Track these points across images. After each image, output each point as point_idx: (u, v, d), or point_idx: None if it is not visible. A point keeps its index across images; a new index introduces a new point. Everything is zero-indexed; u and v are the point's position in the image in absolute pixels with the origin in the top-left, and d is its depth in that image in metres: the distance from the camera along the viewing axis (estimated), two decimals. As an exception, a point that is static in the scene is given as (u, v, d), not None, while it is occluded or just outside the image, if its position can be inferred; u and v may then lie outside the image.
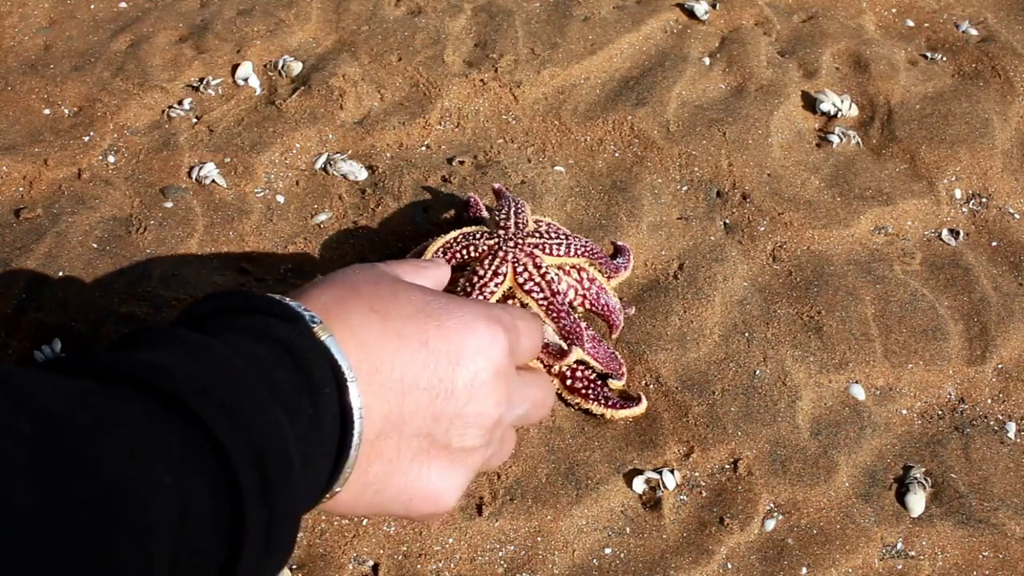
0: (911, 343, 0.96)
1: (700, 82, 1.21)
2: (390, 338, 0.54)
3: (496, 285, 0.85)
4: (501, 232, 0.88)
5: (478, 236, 0.88)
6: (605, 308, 0.89)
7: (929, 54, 1.30)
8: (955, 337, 0.98)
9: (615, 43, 1.23)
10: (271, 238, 0.99)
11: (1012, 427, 0.92)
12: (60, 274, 0.92)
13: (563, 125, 1.14)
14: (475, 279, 0.85)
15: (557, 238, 0.89)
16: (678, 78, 1.19)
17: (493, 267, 0.85)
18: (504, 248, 0.86)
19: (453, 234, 0.88)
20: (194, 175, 1.04)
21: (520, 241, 0.87)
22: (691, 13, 1.30)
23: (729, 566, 0.80)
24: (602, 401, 0.86)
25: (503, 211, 0.91)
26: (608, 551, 0.80)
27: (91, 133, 1.07)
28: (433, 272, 0.68)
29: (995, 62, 1.26)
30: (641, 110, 1.15)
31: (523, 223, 0.90)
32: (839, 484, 0.85)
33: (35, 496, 0.34)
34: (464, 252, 0.87)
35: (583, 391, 0.87)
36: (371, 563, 0.78)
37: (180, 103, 1.11)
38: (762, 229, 1.05)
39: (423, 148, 1.11)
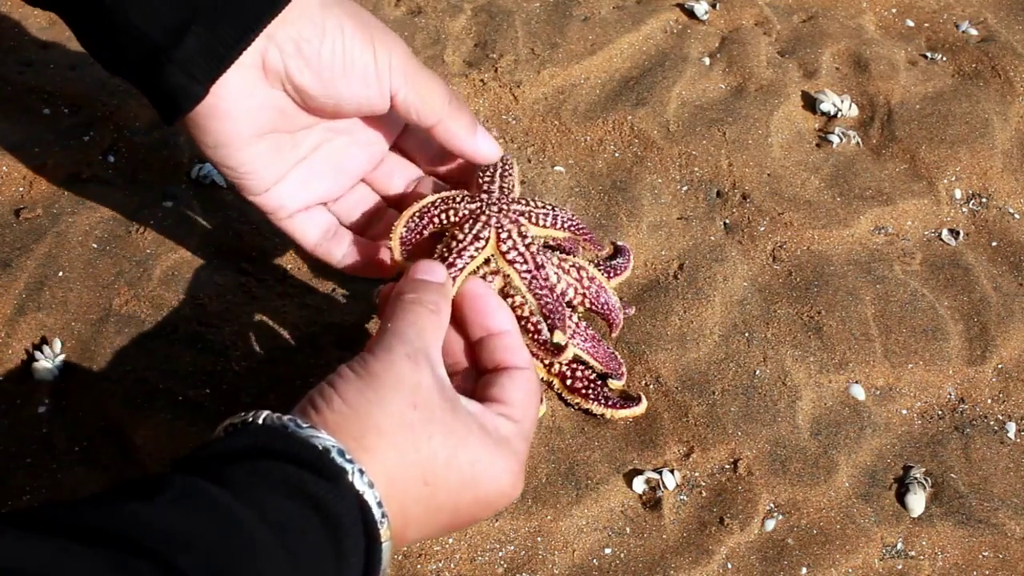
0: (911, 343, 0.96)
1: (700, 82, 1.21)
2: (429, 512, 0.57)
3: (476, 250, 0.77)
4: (484, 196, 0.80)
5: (458, 200, 0.80)
6: (605, 307, 0.88)
7: (929, 54, 1.30)
8: (955, 337, 0.98)
9: (615, 43, 1.23)
10: (271, 238, 0.99)
11: (1012, 427, 0.92)
12: (60, 274, 0.92)
13: (563, 125, 1.14)
14: (454, 244, 0.77)
15: (543, 208, 0.82)
16: (678, 78, 1.19)
17: (474, 231, 0.78)
18: (487, 212, 0.79)
19: (431, 198, 0.80)
20: (194, 175, 1.04)
21: (505, 207, 0.80)
22: (691, 13, 1.30)
23: (729, 566, 0.80)
24: (602, 401, 0.86)
25: (487, 174, 0.83)
26: (608, 551, 0.80)
27: (91, 133, 1.07)
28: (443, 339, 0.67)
29: (995, 62, 1.26)
30: (641, 110, 1.15)
31: (509, 188, 0.82)
32: (839, 484, 0.85)
33: None
34: (443, 217, 0.79)
35: (583, 391, 0.87)
36: (371, 563, 0.78)
37: (180, 103, 1.11)
38: (762, 229, 1.05)
39: (423, 148, 1.11)
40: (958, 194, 1.12)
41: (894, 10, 1.37)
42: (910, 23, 1.35)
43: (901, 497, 0.85)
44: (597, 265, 0.97)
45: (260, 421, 0.54)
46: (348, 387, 0.56)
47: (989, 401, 0.94)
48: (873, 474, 0.87)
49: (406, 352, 0.59)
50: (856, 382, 0.93)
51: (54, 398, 0.86)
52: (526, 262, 0.79)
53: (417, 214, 0.79)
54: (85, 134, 1.07)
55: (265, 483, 0.49)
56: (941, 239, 1.08)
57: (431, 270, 0.70)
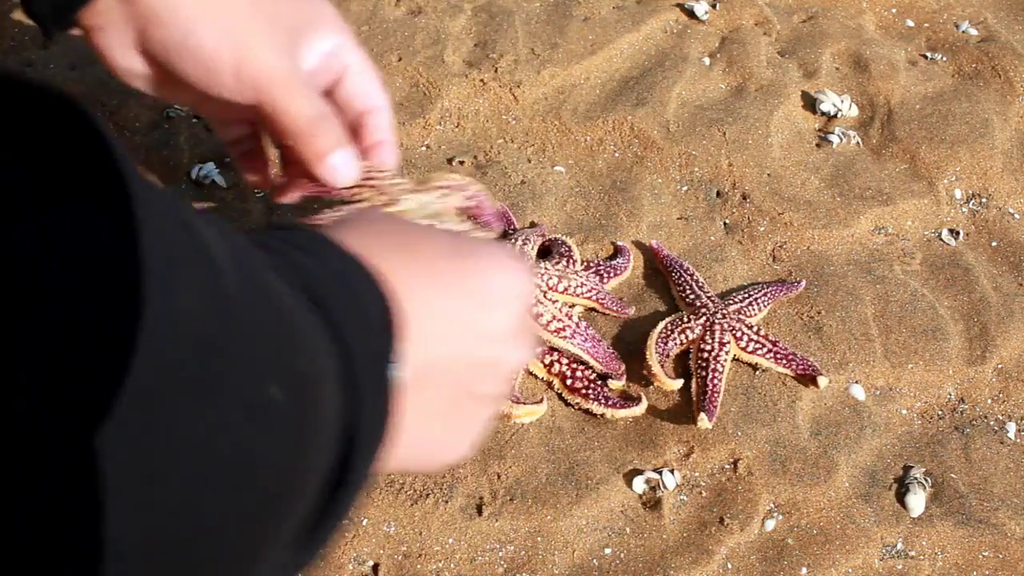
0: (911, 343, 0.96)
1: (700, 82, 1.21)
2: (423, 277, 0.50)
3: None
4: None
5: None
6: (594, 350, 0.89)
7: (929, 54, 1.30)
8: (955, 337, 0.98)
9: (615, 43, 1.23)
10: (271, 238, 0.99)
11: (1012, 427, 0.92)
12: (60, 274, 0.92)
13: (563, 125, 1.14)
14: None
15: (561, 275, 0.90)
16: (678, 78, 1.19)
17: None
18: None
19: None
20: (194, 175, 1.04)
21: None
22: (691, 13, 1.30)
23: (729, 566, 0.80)
24: (602, 401, 0.86)
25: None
26: (608, 551, 0.80)
27: (91, 133, 1.07)
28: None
29: (995, 62, 1.26)
30: (641, 110, 1.15)
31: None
32: (839, 484, 0.85)
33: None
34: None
35: (583, 391, 0.87)
36: (371, 563, 0.78)
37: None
38: (762, 229, 1.05)
39: (423, 148, 1.11)
40: (958, 194, 1.12)
41: (894, 10, 1.37)
42: (910, 23, 1.35)
43: (901, 497, 0.85)
44: (598, 266, 0.97)
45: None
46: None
47: (989, 401, 0.94)
48: (873, 474, 0.87)
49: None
50: (856, 382, 0.93)
51: (54, 398, 0.86)
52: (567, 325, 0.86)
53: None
54: (85, 134, 1.07)
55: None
56: (941, 239, 1.08)
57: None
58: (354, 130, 0.77)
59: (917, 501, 0.85)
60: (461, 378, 0.52)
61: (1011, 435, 0.91)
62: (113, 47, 0.68)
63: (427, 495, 0.81)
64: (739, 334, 0.90)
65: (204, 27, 0.68)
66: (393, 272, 0.48)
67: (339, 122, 0.75)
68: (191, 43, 0.67)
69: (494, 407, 0.57)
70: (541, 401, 0.86)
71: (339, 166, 0.74)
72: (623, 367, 0.88)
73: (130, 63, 0.69)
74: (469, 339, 0.52)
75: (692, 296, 0.94)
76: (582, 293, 0.90)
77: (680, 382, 0.88)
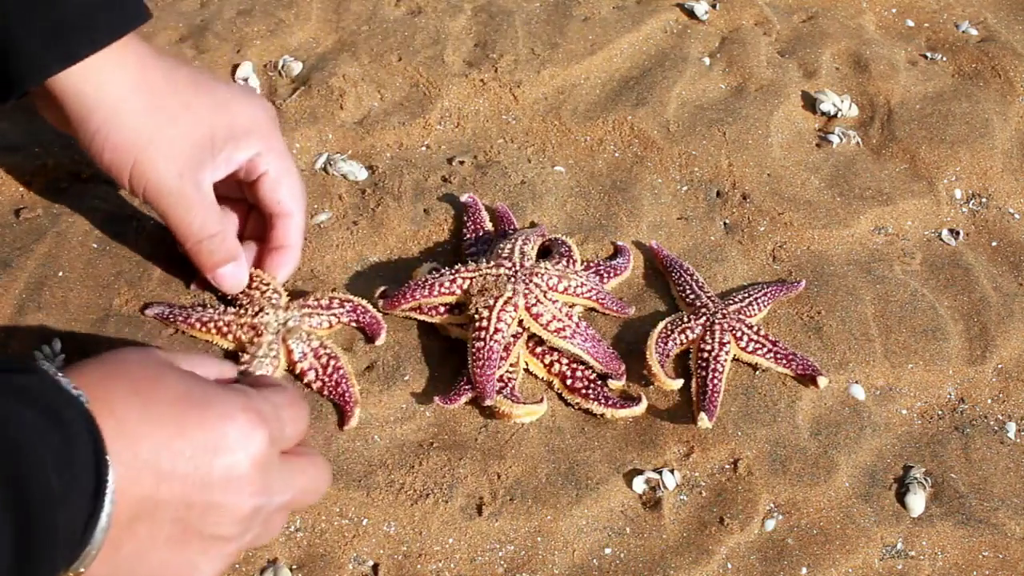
0: (911, 343, 0.96)
1: (700, 82, 1.21)
2: (150, 424, 0.55)
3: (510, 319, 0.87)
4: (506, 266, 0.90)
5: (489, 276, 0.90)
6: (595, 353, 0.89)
7: (929, 54, 1.30)
8: (955, 337, 0.98)
9: (615, 43, 1.23)
10: (271, 238, 0.99)
11: (1012, 427, 0.92)
12: (60, 274, 0.92)
13: (563, 125, 1.14)
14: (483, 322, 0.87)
15: (560, 275, 0.90)
16: (678, 78, 1.19)
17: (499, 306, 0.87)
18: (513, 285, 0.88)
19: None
20: (194, 175, 1.04)
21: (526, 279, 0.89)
22: (691, 13, 1.30)
23: (729, 566, 0.80)
24: (602, 401, 0.86)
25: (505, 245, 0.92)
26: (608, 551, 0.80)
27: (91, 133, 1.07)
28: (212, 364, 0.68)
29: (995, 62, 1.26)
30: (641, 110, 1.15)
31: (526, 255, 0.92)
32: (839, 484, 0.85)
33: None
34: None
35: (583, 391, 0.87)
36: (371, 563, 0.78)
37: (180, 103, 1.11)
38: (762, 229, 1.05)
39: (423, 148, 1.11)
40: (958, 194, 1.12)
41: (894, 10, 1.37)
42: (910, 23, 1.35)
43: (901, 497, 0.85)
44: (598, 266, 0.97)
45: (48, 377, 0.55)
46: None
47: (989, 401, 0.94)
48: (873, 474, 0.87)
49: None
50: (856, 382, 0.93)
51: (54, 398, 0.86)
52: (567, 324, 0.87)
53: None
54: (85, 134, 1.07)
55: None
56: (941, 239, 1.08)
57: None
58: (266, 227, 0.89)
59: (917, 501, 0.85)
60: (183, 516, 0.57)
61: (1011, 435, 0.91)
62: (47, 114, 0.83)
63: (427, 495, 0.81)
64: (739, 334, 0.90)
65: (109, 135, 0.78)
66: (115, 415, 0.54)
67: (231, 234, 0.86)
68: (95, 146, 0.78)
69: (228, 547, 0.60)
70: (541, 401, 0.86)
71: (227, 277, 0.87)
72: (623, 367, 0.88)
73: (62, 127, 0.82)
74: (189, 483, 0.56)
75: (692, 296, 0.94)
76: (582, 293, 0.91)
77: (680, 382, 0.88)
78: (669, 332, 0.90)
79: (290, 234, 0.88)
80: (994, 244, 1.08)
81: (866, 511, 0.84)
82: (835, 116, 1.19)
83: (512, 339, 0.87)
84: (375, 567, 0.78)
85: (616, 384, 0.88)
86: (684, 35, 1.27)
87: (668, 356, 0.90)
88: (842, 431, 0.89)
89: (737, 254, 1.02)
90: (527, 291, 0.87)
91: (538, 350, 0.89)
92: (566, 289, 0.90)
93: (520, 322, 0.87)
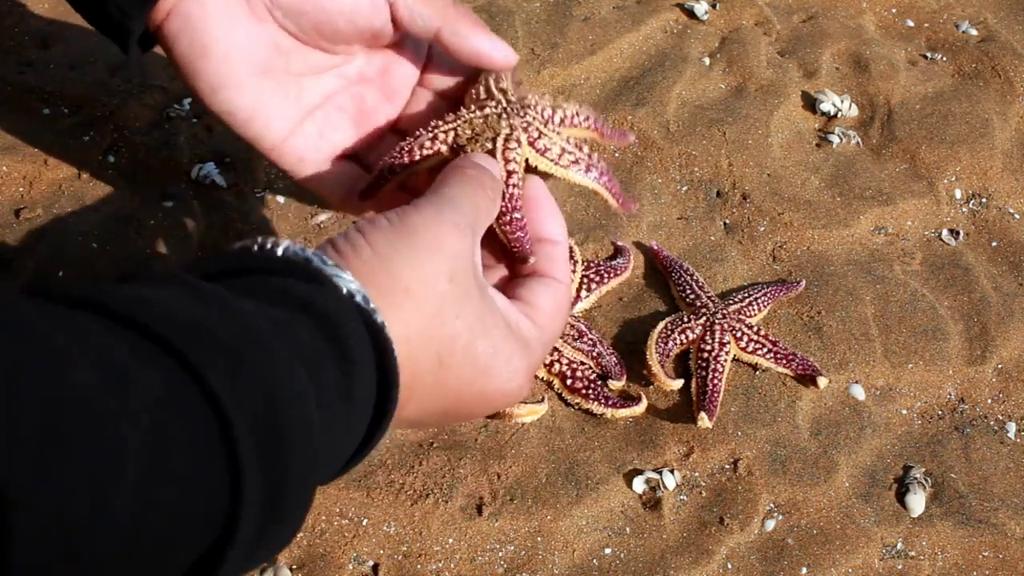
0: (911, 343, 0.96)
1: (700, 82, 1.21)
2: (434, 392, 0.52)
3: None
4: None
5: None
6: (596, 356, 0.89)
7: (929, 54, 1.30)
8: (955, 337, 0.98)
9: (615, 43, 1.23)
10: (271, 238, 0.99)
11: (1012, 427, 0.92)
12: (60, 274, 0.92)
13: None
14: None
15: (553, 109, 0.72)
16: (678, 78, 1.19)
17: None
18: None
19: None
20: (194, 175, 1.04)
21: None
22: (691, 13, 1.30)
23: (729, 566, 0.80)
24: (602, 401, 0.86)
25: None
26: (608, 551, 0.80)
27: (91, 133, 1.07)
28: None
29: (995, 62, 1.26)
30: (641, 110, 1.15)
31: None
32: (839, 484, 0.85)
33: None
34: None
35: (583, 391, 0.87)
36: (371, 563, 0.78)
37: (180, 103, 1.11)
38: (762, 229, 1.05)
39: (423, 148, 1.10)
40: (958, 194, 1.12)
41: (894, 10, 1.37)
42: (910, 23, 1.35)
43: (901, 497, 0.85)
44: (598, 266, 0.97)
45: (279, 252, 0.47)
46: (379, 236, 0.50)
47: (989, 401, 0.94)
48: (873, 474, 0.87)
49: (455, 220, 0.53)
50: (856, 382, 0.93)
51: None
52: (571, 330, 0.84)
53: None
54: (85, 134, 1.07)
55: (275, 299, 0.43)
56: (941, 239, 1.08)
57: (488, 160, 0.64)
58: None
59: (917, 501, 0.85)
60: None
61: (1011, 435, 0.91)
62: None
63: (427, 495, 0.81)
64: (739, 334, 0.90)
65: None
66: (407, 384, 0.49)
67: None
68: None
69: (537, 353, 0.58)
70: (541, 401, 0.86)
71: (496, 42, 0.74)
72: (623, 367, 0.88)
73: None
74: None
75: (692, 296, 0.94)
76: (580, 123, 0.73)
77: (680, 382, 0.88)
78: (669, 332, 0.90)
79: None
80: (994, 244, 1.08)
81: (866, 511, 0.84)
82: (835, 116, 1.19)
83: None
84: (375, 567, 0.78)
85: (616, 384, 0.88)
86: (684, 35, 1.27)
87: (668, 356, 0.90)
88: (842, 431, 0.89)
89: (737, 254, 1.02)
90: (526, 124, 0.69)
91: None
92: (563, 120, 0.73)
93: (527, 162, 0.69)
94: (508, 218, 0.65)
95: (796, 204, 1.08)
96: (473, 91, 0.73)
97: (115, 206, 1.00)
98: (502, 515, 0.80)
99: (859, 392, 0.92)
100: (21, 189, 1.01)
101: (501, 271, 0.66)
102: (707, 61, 1.24)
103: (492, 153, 0.67)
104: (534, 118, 0.70)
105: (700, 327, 0.91)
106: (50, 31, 1.19)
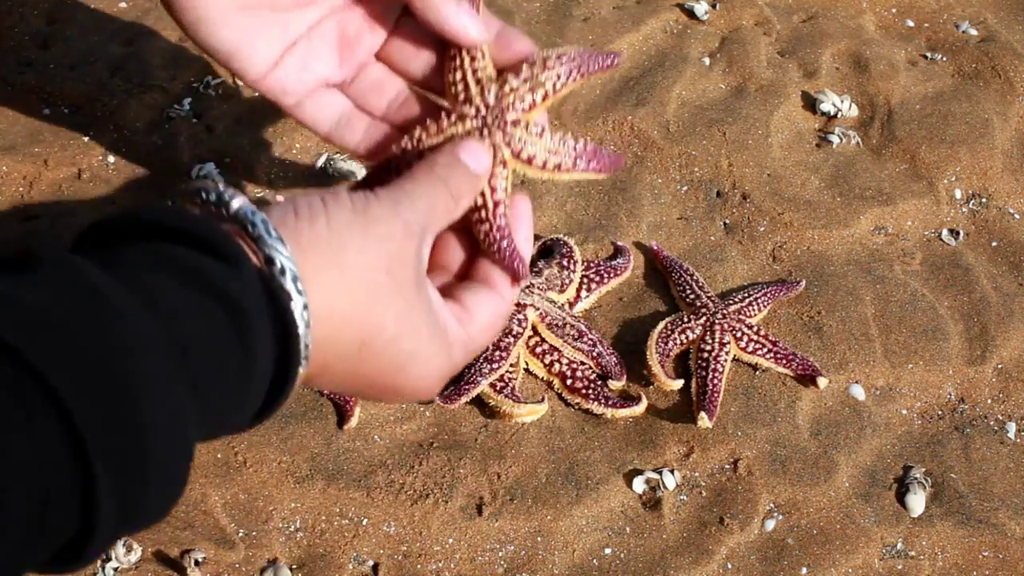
0: (911, 343, 0.96)
1: (700, 82, 1.21)
2: (345, 374, 0.54)
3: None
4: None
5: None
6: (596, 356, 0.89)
7: (929, 54, 1.30)
8: (955, 337, 0.98)
9: (615, 43, 1.23)
10: (271, 238, 0.99)
11: (1012, 427, 0.92)
12: (60, 274, 0.92)
13: (563, 125, 1.14)
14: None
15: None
16: (678, 78, 1.19)
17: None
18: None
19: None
20: (194, 175, 1.04)
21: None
22: (691, 13, 1.30)
23: (729, 566, 0.80)
24: (602, 401, 0.86)
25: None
26: (608, 551, 0.80)
27: (91, 133, 1.07)
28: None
29: (995, 62, 1.26)
30: (641, 110, 1.15)
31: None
32: (839, 484, 0.85)
33: None
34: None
35: (583, 391, 0.87)
36: (371, 563, 0.78)
37: (180, 103, 1.11)
38: (762, 229, 1.05)
39: (423, 148, 1.11)
40: (958, 194, 1.12)
41: (894, 10, 1.37)
42: (910, 23, 1.35)
43: (901, 497, 0.85)
44: (598, 266, 0.97)
45: (232, 208, 0.49)
46: (340, 215, 0.53)
47: (989, 401, 0.94)
48: (873, 474, 0.87)
49: (407, 219, 0.56)
50: (856, 382, 0.93)
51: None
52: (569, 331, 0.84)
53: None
54: (85, 134, 1.07)
55: (171, 274, 0.44)
56: (941, 239, 1.08)
57: (475, 154, 0.62)
58: None
59: (917, 501, 0.85)
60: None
61: (1011, 435, 0.91)
62: None
63: (427, 495, 0.81)
64: (739, 334, 0.90)
65: None
66: (316, 364, 0.51)
67: None
68: None
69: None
70: (541, 401, 0.86)
71: (467, 15, 0.66)
72: (623, 367, 0.88)
73: None
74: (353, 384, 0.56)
75: (692, 296, 0.94)
76: (564, 84, 0.67)
77: (680, 382, 0.88)
78: (669, 332, 0.91)
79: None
80: (994, 244, 1.08)
81: (866, 511, 0.84)
82: (835, 116, 1.19)
83: (512, 339, 0.87)
84: (375, 567, 0.78)
85: (616, 384, 0.88)
86: (684, 35, 1.27)
87: (668, 356, 0.90)
88: (842, 431, 0.89)
89: (737, 254, 1.02)
90: (508, 139, 0.64)
91: (538, 350, 0.89)
92: (546, 95, 0.68)
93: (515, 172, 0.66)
94: (492, 236, 0.63)
95: (796, 204, 1.08)
96: (449, 76, 0.68)
97: (115, 206, 1.00)
98: (502, 515, 0.80)
99: (859, 392, 0.92)
100: (21, 189, 1.01)
101: (460, 260, 0.66)
102: (707, 61, 1.24)
103: None
104: (516, 121, 0.66)
105: (700, 327, 0.91)
106: (50, 31, 1.19)
